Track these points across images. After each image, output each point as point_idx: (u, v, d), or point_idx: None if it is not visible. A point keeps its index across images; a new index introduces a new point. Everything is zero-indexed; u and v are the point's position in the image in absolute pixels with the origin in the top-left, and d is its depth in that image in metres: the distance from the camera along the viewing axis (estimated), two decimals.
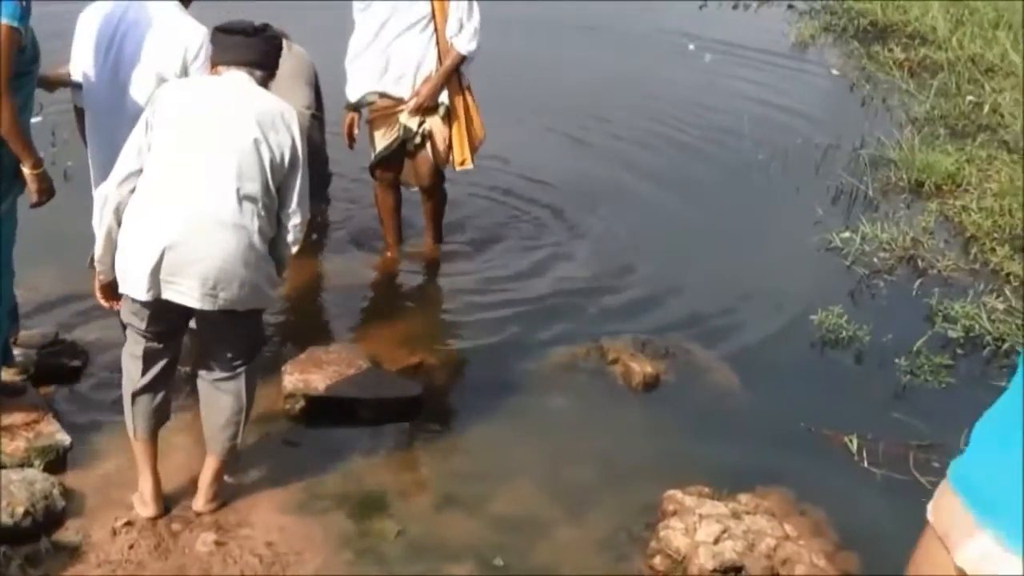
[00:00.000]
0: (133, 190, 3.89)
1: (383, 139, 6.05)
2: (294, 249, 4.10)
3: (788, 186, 7.98)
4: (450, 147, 6.01)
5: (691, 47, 11.06)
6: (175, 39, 4.59)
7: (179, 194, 3.82)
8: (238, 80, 4.00)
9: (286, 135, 3.94)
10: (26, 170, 4.28)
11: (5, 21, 3.98)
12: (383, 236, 6.48)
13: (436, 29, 5.77)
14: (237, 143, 3.85)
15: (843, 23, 12.25)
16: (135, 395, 4.14)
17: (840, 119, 9.25)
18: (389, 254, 6.46)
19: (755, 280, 6.54)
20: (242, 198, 3.83)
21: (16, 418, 4.57)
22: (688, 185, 7.86)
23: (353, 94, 6.00)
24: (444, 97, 5.90)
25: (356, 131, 6.13)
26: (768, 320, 6.17)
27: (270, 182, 3.90)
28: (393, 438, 4.96)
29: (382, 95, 5.94)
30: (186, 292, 3.86)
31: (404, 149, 6.08)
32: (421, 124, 5.94)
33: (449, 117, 5.94)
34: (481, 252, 6.69)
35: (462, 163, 6.05)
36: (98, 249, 4.00)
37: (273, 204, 3.95)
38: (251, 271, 3.90)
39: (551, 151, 8.22)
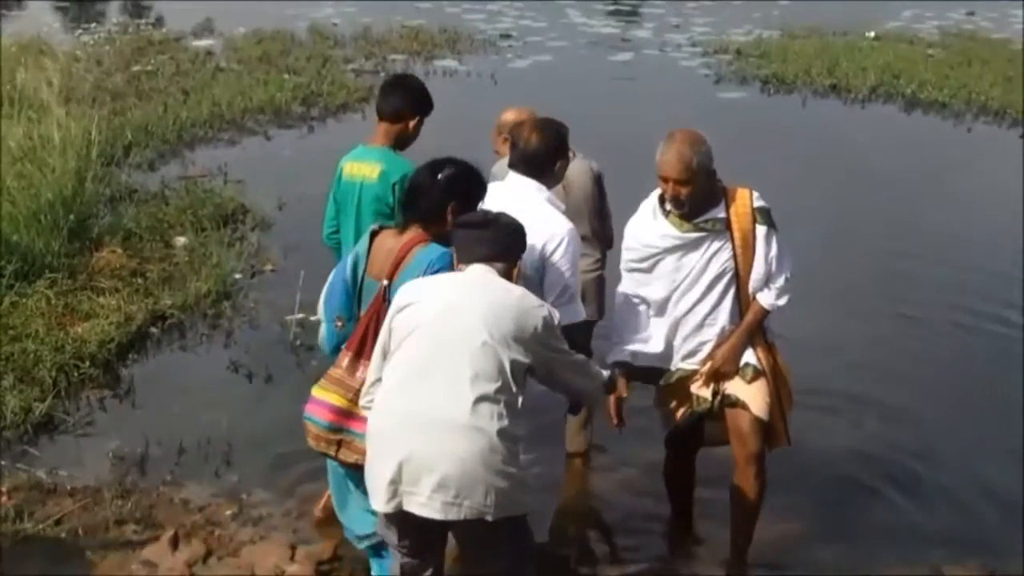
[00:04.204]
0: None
1: (680, 410, 5.36)
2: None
3: None
4: (771, 410, 5.17)
5: None
6: (538, 232, 4.65)
7: (410, 401, 3.97)
8: (476, 276, 4.17)
9: (525, 327, 4.04)
10: None
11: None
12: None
13: (739, 284, 5.12)
14: (467, 344, 3.97)
15: None
16: None
17: None
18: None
19: None
20: (476, 400, 3.92)
21: None
22: None
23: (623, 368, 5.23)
24: (749, 356, 5.17)
25: (626, 414, 5.32)
26: None
27: (511, 381, 3.99)
28: None
29: (673, 372, 5.28)
30: (427, 503, 3.93)
31: (702, 420, 5.33)
32: (717, 395, 5.18)
33: (758, 377, 5.16)
34: (794, 465, 6.44)
35: (776, 444, 5.29)
36: None
37: (517, 402, 4.02)
38: (495, 476, 3.92)
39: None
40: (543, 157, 4.93)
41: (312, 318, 7.81)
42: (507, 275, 4.21)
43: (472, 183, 4.61)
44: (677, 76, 17.22)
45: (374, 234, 4.66)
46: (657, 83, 16.46)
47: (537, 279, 4.71)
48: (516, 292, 4.16)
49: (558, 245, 4.71)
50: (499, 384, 3.96)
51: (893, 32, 20.22)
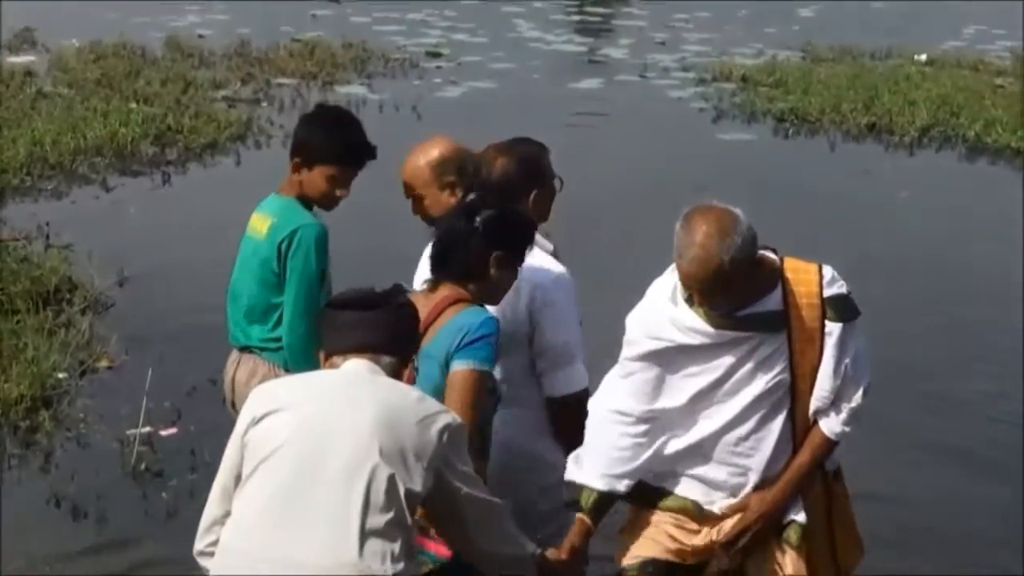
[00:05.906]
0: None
1: (639, 553, 5.03)
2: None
3: None
4: None
5: None
6: (520, 278, 4.93)
7: (273, 542, 3.93)
8: (357, 374, 4.17)
9: (427, 439, 4.04)
10: None
11: (473, 366, 4.64)
12: None
13: (794, 398, 4.82)
14: (351, 464, 3.96)
15: None
16: None
17: None
18: None
19: None
20: (364, 537, 3.91)
21: None
22: None
23: (604, 482, 4.95)
24: (798, 510, 4.89)
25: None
26: None
27: (406, 512, 3.99)
28: None
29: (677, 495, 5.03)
30: None
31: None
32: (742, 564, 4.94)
33: (806, 541, 4.88)
34: None
35: None
36: None
37: (413, 539, 4.07)
38: None
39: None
40: (515, 185, 5.06)
41: (163, 433, 7.78)
42: (396, 374, 4.23)
43: (519, 227, 4.80)
44: (663, 111, 17.51)
45: None
46: (636, 120, 16.68)
47: (523, 339, 4.92)
48: (413, 394, 4.19)
49: (552, 290, 4.89)
50: (392, 515, 3.96)
51: (951, 55, 20.70)
